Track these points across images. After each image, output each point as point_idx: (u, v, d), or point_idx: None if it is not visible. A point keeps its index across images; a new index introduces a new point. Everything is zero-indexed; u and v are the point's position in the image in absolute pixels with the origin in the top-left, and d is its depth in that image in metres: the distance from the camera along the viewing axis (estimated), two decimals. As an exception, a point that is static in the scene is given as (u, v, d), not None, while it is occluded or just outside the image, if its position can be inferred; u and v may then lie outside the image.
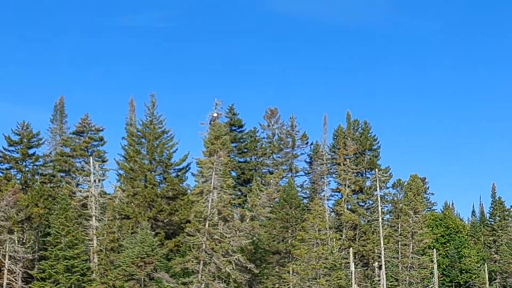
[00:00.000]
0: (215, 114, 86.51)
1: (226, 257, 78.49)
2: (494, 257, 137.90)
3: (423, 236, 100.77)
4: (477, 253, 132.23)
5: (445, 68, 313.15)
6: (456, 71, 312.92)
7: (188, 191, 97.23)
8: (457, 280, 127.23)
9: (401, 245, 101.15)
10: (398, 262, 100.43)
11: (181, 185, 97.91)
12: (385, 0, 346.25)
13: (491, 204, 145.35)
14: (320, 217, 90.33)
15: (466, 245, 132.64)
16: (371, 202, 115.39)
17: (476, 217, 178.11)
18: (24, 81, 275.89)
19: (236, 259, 78.27)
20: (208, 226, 79.35)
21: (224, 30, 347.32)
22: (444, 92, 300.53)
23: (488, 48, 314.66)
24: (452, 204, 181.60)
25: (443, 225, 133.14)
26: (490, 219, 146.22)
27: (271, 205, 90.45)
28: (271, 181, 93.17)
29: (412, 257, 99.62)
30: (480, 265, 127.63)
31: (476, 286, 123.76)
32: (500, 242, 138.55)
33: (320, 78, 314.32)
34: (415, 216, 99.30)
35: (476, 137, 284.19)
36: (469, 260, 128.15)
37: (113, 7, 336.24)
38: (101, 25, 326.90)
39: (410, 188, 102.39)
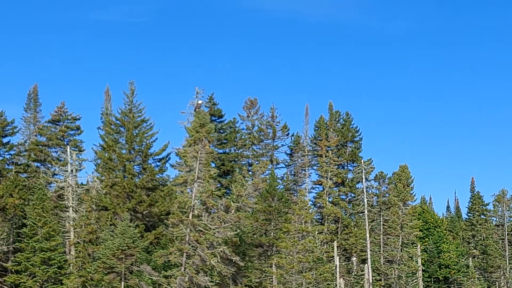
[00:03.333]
0: (200, 101, 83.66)
1: (211, 249, 75.73)
2: (473, 252, 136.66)
3: (413, 229, 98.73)
4: (456, 248, 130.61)
5: (423, 65, 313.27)
6: (435, 66, 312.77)
7: (168, 182, 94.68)
8: (435, 276, 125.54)
9: (389, 237, 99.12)
10: (387, 255, 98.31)
11: (160, 175, 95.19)
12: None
13: (470, 198, 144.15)
14: (306, 209, 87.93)
15: (444, 240, 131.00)
16: (353, 195, 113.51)
17: (451, 212, 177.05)
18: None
19: (221, 251, 75.47)
20: (192, 217, 76.57)
21: (201, 23, 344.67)
22: (423, 88, 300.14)
23: (465, 45, 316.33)
24: (430, 198, 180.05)
25: (422, 220, 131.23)
26: (469, 214, 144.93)
27: (257, 196, 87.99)
28: (257, 171, 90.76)
29: (402, 250, 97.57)
30: (460, 260, 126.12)
31: (460, 281, 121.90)
32: (480, 237, 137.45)
33: (302, 68, 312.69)
34: (405, 208, 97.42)
35: (451, 132, 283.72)
36: (448, 255, 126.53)
37: (83, 1, 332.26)
38: (71, 19, 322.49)
39: (400, 179, 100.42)
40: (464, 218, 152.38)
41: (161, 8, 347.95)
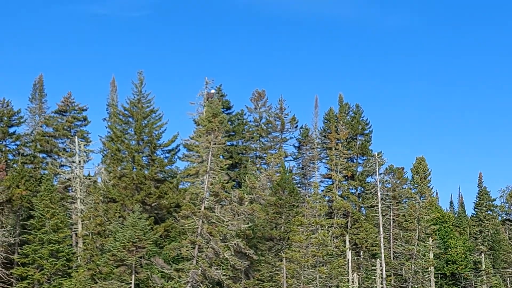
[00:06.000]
0: (212, 91, 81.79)
1: (224, 242, 73.95)
2: (480, 248, 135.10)
3: (429, 223, 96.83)
4: (463, 243, 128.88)
5: (426, 61, 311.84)
6: (443, 60, 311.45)
7: (177, 174, 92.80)
8: (443, 271, 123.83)
9: (402, 232, 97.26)
10: (404, 249, 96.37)
11: (169, 167, 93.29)
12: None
13: (478, 194, 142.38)
14: (320, 202, 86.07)
15: (451, 235, 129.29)
16: (363, 189, 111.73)
17: (454, 208, 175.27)
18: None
19: (235, 244, 73.72)
20: (204, 209, 74.76)
21: (208, 15, 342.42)
22: (431, 83, 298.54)
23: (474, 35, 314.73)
24: (436, 193, 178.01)
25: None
26: (476, 209, 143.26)
27: (270, 188, 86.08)
28: (271, 162, 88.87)
29: (418, 245, 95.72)
30: (467, 256, 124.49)
31: (467, 277, 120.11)
32: (487, 232, 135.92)
33: (311, 59, 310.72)
34: (422, 201, 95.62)
35: (455, 128, 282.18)
36: (455, 251, 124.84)
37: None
38: (73, 12, 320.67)
39: (417, 171, 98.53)
40: (469, 214, 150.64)
41: (159, 1, 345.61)
